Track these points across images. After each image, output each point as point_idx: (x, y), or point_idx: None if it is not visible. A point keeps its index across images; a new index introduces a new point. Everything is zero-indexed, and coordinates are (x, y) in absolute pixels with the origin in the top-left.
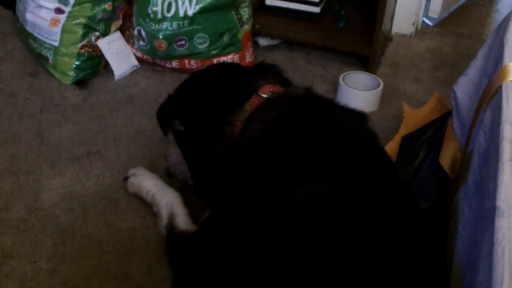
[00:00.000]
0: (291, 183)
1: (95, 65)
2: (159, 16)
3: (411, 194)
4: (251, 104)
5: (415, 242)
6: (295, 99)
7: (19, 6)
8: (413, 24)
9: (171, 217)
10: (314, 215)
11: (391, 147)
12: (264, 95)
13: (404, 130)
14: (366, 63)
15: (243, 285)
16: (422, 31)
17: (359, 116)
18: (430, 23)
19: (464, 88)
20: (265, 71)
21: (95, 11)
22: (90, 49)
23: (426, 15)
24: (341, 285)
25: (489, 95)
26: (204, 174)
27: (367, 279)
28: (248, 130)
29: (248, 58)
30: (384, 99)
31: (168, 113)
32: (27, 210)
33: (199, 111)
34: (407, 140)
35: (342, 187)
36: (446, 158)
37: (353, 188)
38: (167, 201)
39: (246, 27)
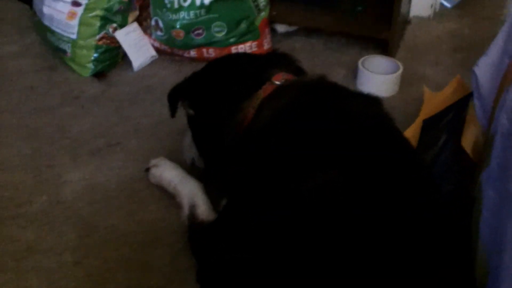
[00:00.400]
0: (303, 170)
1: (113, 56)
2: (176, 5)
3: (429, 178)
4: (264, 91)
5: (433, 227)
6: (308, 86)
7: (36, 0)
8: (431, 6)
9: (192, 207)
10: (327, 204)
11: (412, 131)
12: (277, 82)
13: (424, 113)
14: (385, 47)
15: (262, 268)
16: (440, 13)
17: (373, 101)
18: (448, 5)
19: (484, 70)
20: (279, 60)
21: (111, 2)
22: (108, 41)
23: None
24: (357, 272)
25: (510, 76)
26: (214, 158)
27: (385, 266)
28: (260, 116)
29: (266, 45)
30: (404, 82)
31: (178, 94)
32: (50, 203)
33: (212, 96)
34: (428, 124)
35: (353, 174)
36: (468, 140)
37: (365, 174)
38: (188, 192)
39: (263, 14)
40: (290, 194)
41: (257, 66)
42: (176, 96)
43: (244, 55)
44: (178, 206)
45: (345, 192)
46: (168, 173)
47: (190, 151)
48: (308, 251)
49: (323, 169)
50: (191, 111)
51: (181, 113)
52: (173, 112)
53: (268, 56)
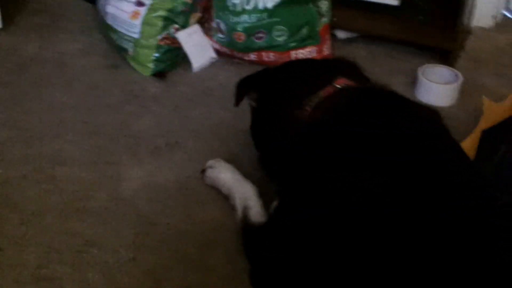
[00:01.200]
0: (348, 172)
1: (174, 57)
2: (239, 8)
3: (481, 185)
4: (324, 92)
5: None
6: (367, 92)
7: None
8: (493, 17)
9: (245, 210)
10: (372, 207)
11: (471, 141)
12: (338, 86)
13: (484, 124)
14: (444, 57)
15: (310, 270)
16: (502, 24)
17: (429, 111)
18: (511, 16)
19: None
20: (345, 67)
21: (175, 3)
22: (169, 42)
23: (506, 7)
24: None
25: None
26: (269, 151)
27: (422, 269)
28: (316, 115)
29: (326, 51)
30: (464, 93)
31: (247, 85)
32: (108, 200)
33: (276, 91)
34: (487, 134)
35: (399, 179)
36: None
37: (411, 179)
38: (242, 195)
39: (325, 20)
40: (337, 196)
41: (324, 70)
42: (244, 86)
43: (314, 60)
44: (232, 208)
45: (390, 196)
46: (223, 175)
47: None
48: (355, 253)
49: (368, 173)
50: (254, 103)
51: (241, 116)
52: (238, 100)
53: (335, 62)
